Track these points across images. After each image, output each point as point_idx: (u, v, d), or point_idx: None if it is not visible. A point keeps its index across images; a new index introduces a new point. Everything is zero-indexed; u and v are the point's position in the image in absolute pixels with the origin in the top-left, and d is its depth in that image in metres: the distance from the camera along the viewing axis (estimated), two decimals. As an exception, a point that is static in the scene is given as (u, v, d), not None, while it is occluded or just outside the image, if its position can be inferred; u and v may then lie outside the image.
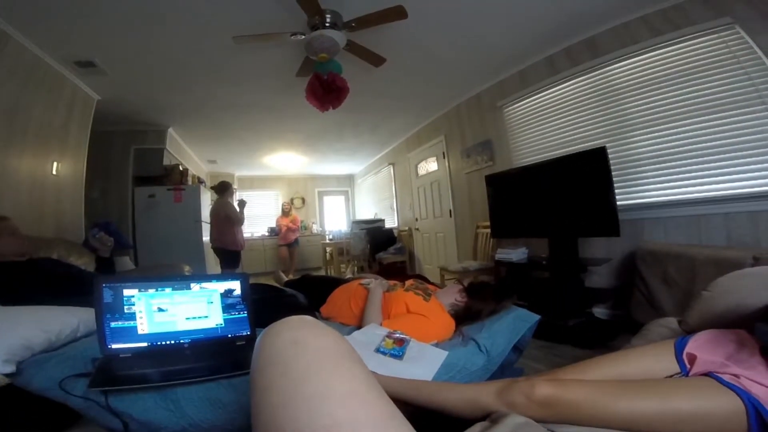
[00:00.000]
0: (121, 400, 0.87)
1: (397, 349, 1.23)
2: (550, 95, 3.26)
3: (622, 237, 2.31)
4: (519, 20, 2.70)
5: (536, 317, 1.56)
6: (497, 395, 0.82)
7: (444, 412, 0.88)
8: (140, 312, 1.03)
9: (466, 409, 0.86)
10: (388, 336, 1.29)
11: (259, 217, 7.75)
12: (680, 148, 2.41)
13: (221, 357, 1.04)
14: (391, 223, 6.51)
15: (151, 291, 1.06)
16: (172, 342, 1.06)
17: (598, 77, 2.88)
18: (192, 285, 1.12)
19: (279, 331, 0.52)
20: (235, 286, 1.17)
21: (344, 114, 4.16)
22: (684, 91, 2.38)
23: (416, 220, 5.66)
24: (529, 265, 2.91)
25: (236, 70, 3.17)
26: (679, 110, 2.41)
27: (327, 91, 2.71)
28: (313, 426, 0.39)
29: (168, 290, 1.08)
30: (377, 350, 1.23)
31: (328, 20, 2.36)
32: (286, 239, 6.85)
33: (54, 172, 2.84)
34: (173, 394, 0.90)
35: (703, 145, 2.31)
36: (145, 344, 1.03)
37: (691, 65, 2.36)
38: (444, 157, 4.79)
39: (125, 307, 1.02)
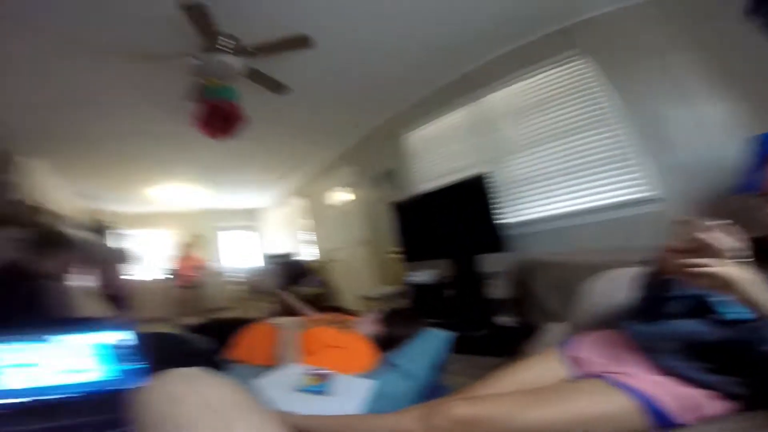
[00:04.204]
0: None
1: (319, 385, 1.16)
2: (446, 122, 3.58)
3: (515, 251, 2.63)
4: (415, 52, 2.87)
5: (451, 334, 1.62)
6: (420, 421, 0.82)
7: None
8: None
9: (392, 438, 0.83)
10: (308, 373, 1.22)
11: (153, 258, 6.78)
12: (552, 168, 2.82)
13: (107, 411, 0.86)
14: (305, 255, 6.28)
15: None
16: (44, 398, 0.88)
17: (477, 107, 3.29)
18: (63, 336, 0.93)
19: (156, 389, 0.51)
20: (121, 334, 0.99)
21: (245, 143, 3.95)
22: (550, 116, 2.81)
23: (332, 250, 5.57)
24: (438, 286, 3.08)
25: (113, 93, 2.81)
26: (548, 133, 2.83)
27: (218, 118, 2.52)
28: None
29: (24, 345, 0.89)
30: (297, 389, 1.14)
31: (224, 44, 2.25)
32: (186, 281, 6.13)
33: None
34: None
35: (571, 163, 2.72)
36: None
37: (552, 93, 2.82)
38: (355, 186, 4.87)
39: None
